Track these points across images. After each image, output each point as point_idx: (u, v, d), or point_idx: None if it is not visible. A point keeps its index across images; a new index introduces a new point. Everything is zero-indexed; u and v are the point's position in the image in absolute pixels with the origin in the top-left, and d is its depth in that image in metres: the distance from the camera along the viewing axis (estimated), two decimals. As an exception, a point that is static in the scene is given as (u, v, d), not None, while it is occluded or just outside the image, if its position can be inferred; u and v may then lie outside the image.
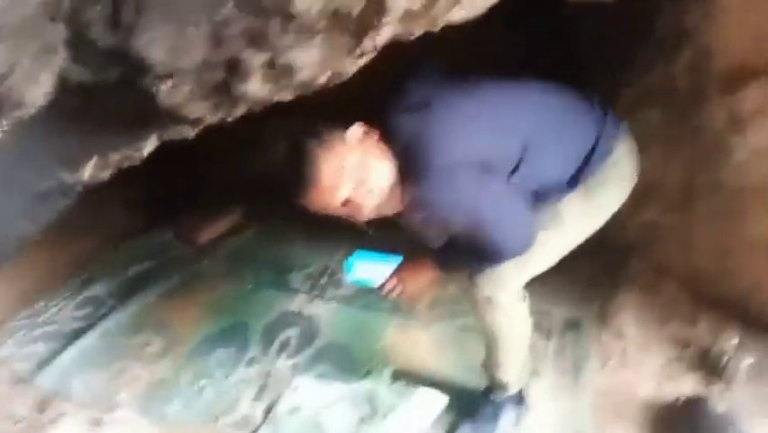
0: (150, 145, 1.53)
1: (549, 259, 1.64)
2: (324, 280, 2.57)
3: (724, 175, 2.01)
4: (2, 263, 1.44)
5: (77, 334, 2.22)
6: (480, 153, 1.42)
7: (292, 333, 2.29)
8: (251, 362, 2.17)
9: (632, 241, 2.36)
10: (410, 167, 1.43)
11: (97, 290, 2.43)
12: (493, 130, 1.46)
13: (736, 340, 2.06)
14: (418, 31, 1.35)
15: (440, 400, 2.01)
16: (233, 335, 2.28)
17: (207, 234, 2.77)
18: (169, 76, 1.04)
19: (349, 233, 2.76)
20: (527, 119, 1.50)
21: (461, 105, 1.46)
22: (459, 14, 1.32)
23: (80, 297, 2.38)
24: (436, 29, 1.38)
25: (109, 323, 2.29)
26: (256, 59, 1.14)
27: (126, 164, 1.57)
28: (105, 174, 1.52)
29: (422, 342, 2.22)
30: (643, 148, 1.65)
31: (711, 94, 1.95)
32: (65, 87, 1.02)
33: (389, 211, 1.54)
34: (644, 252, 2.36)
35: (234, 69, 1.14)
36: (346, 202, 1.42)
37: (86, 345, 2.19)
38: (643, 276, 2.37)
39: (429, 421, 1.94)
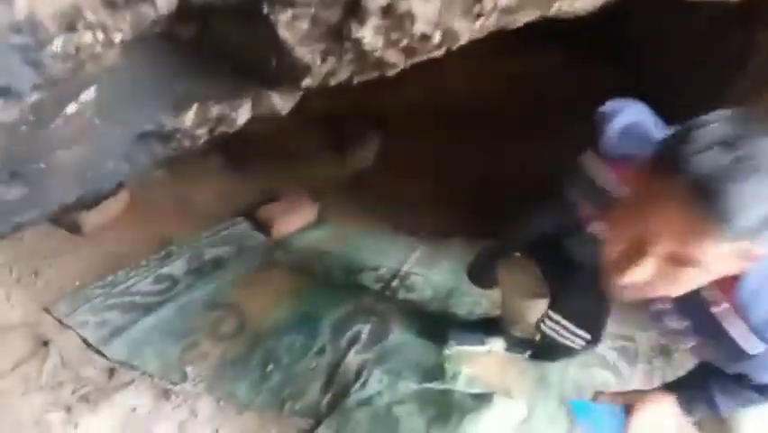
0: (245, 112, 1.53)
1: None
2: (395, 283, 2.49)
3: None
4: (92, 199, 1.43)
5: (151, 307, 2.22)
6: None
7: (363, 328, 2.22)
8: (320, 352, 2.11)
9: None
10: None
11: (175, 267, 2.43)
12: None
13: None
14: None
15: (518, 411, 1.89)
16: (303, 324, 2.23)
17: (282, 227, 2.76)
18: (290, 5, 1.01)
19: (419, 238, 2.74)
20: None
21: None
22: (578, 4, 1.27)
23: (158, 272, 2.38)
24: (548, 14, 1.35)
25: (184, 299, 2.28)
26: (375, 3, 1.11)
27: (222, 128, 1.57)
28: (203, 131, 1.52)
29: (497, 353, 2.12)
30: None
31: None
32: (185, 8, 1.00)
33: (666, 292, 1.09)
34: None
35: (352, 10, 1.11)
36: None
37: (161, 317, 2.18)
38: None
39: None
